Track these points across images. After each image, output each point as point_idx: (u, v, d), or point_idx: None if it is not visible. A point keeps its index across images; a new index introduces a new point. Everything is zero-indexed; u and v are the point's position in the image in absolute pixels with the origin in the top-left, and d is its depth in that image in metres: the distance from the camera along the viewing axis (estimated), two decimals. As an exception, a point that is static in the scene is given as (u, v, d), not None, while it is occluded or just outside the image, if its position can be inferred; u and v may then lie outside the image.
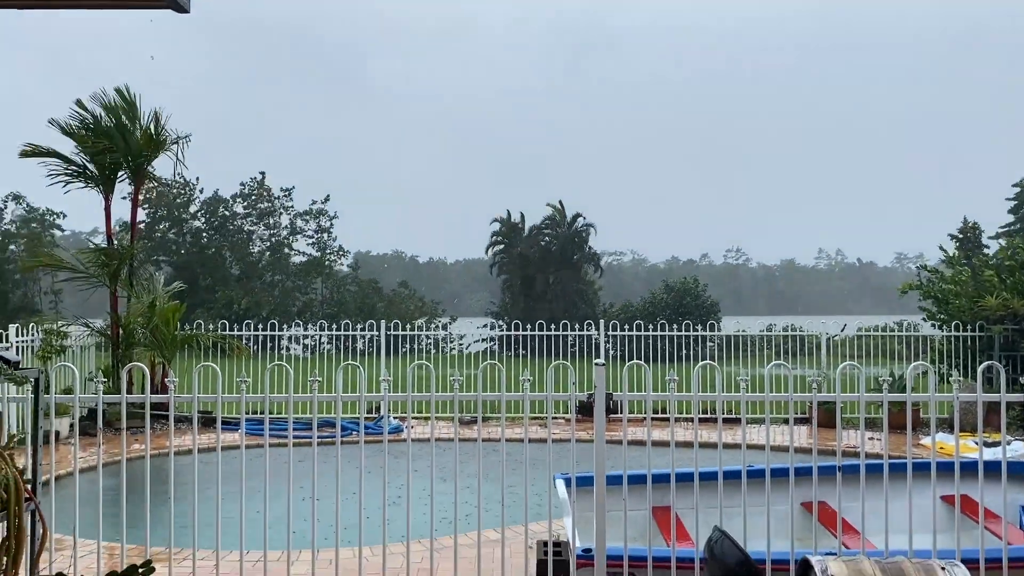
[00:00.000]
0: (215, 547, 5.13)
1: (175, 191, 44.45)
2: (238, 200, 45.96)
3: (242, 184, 46.06)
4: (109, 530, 5.40)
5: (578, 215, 45.84)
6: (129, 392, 9.80)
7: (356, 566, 5.39)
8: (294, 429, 5.24)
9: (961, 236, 31.59)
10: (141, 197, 41.25)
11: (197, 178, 45.03)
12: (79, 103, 14.91)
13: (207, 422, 11.15)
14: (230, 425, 12.09)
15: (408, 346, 22.15)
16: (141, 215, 43.61)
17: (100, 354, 15.41)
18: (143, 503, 5.19)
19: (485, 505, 5.80)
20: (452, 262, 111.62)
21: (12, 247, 44.44)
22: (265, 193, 46.18)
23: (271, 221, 46.64)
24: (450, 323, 39.80)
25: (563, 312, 36.98)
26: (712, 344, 24.62)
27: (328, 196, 47.08)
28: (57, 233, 47.18)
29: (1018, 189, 42.84)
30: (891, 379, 5.45)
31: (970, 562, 4.79)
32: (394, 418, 12.94)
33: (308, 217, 46.79)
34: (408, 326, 17.59)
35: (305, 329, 28.41)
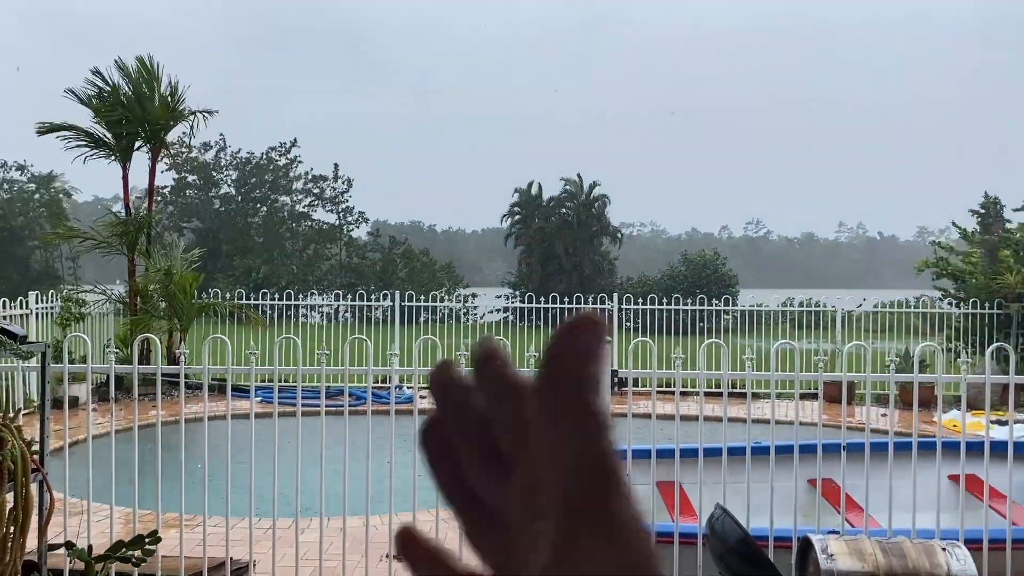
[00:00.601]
0: (225, 514, 5.21)
1: (201, 157, 44.59)
2: (262, 167, 46.04)
3: (270, 148, 46.09)
4: (125, 496, 5.49)
5: (595, 184, 45.61)
6: (146, 362, 9.92)
7: (364, 535, 5.46)
8: (314, 398, 5.28)
9: (982, 211, 31.21)
10: (166, 164, 41.49)
11: (230, 143, 45.17)
12: (96, 72, 14.95)
13: (221, 389, 11.26)
14: (243, 392, 12.25)
15: (426, 316, 22.23)
16: (168, 179, 43.96)
17: (118, 321, 15.59)
18: (166, 469, 5.28)
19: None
20: (470, 232, 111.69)
21: (31, 213, 44.84)
22: (287, 161, 46.26)
23: (291, 188, 46.76)
24: (472, 297, 39.87)
25: (580, 284, 36.98)
26: (728, 318, 24.58)
27: (336, 164, 47.20)
28: (77, 199, 47.52)
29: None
30: (898, 359, 5.42)
31: (974, 542, 4.80)
32: (408, 387, 13.04)
33: (324, 184, 46.84)
34: (423, 296, 17.62)
35: (323, 298, 28.53)
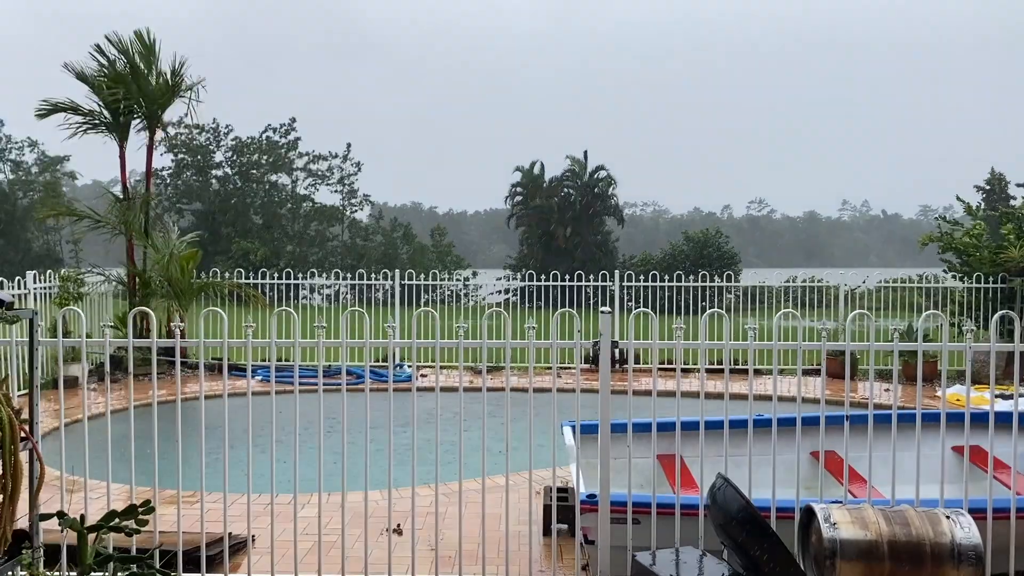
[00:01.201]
0: (223, 490, 5.18)
1: (201, 136, 44.40)
2: (261, 147, 45.80)
3: (270, 128, 45.82)
4: (124, 473, 5.47)
5: (600, 167, 45.40)
6: (143, 338, 9.87)
7: (363, 510, 5.42)
8: (310, 376, 5.23)
9: (988, 187, 31.07)
10: (164, 145, 41.19)
11: (227, 125, 44.95)
12: (97, 48, 14.82)
13: (219, 368, 11.26)
14: (242, 372, 12.22)
15: (428, 296, 22.15)
16: (167, 161, 43.81)
17: (117, 302, 15.55)
18: (162, 446, 5.24)
19: (493, 452, 5.81)
20: (472, 213, 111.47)
21: (32, 194, 44.71)
22: (287, 141, 46.02)
23: (291, 168, 46.56)
24: (472, 276, 39.77)
25: (582, 264, 36.88)
26: (731, 296, 24.50)
27: (349, 145, 46.95)
28: (77, 183, 47.41)
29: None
30: (902, 329, 5.35)
31: (978, 511, 4.76)
32: (408, 366, 13.00)
33: (332, 161, 46.60)
34: (423, 276, 17.56)
35: (323, 278, 28.47)
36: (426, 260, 40.17)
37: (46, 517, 3.82)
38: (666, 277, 17.41)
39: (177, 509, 5.17)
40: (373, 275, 19.54)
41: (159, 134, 15.82)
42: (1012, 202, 24.50)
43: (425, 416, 6.34)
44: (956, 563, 3.86)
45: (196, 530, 5.48)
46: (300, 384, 5.26)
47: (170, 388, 10.70)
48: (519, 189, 46.42)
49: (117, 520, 3.70)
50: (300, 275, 19.54)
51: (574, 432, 5.93)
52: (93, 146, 45.94)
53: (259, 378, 12.02)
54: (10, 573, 3.72)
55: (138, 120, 15.24)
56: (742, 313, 20.40)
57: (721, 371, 5.44)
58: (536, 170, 46.09)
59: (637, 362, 13.30)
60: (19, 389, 5.95)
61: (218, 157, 45.52)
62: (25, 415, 3.69)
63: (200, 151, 44.80)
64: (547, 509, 6.09)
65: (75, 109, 14.98)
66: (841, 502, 4.72)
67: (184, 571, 5.11)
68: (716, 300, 17.72)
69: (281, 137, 45.70)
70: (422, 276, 17.18)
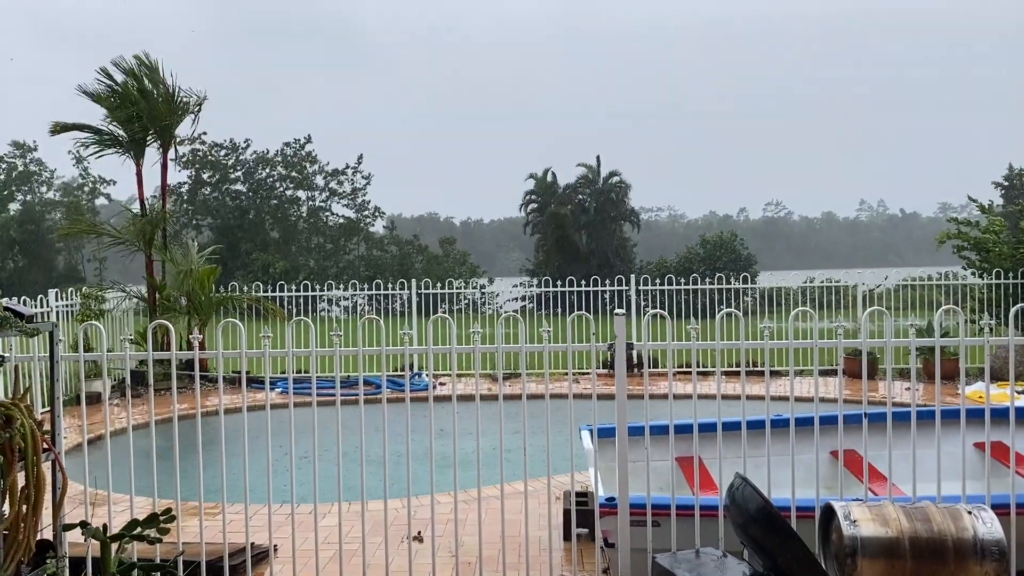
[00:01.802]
0: (244, 500, 5.22)
1: (219, 152, 44.84)
2: (277, 163, 46.20)
3: (285, 144, 46.24)
4: (147, 487, 5.52)
5: (613, 172, 45.42)
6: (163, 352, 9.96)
7: (383, 518, 5.45)
8: (329, 387, 5.27)
9: (1007, 183, 30.80)
10: (181, 163, 41.61)
11: (246, 140, 45.38)
12: (104, 71, 15.07)
13: (239, 381, 11.30)
14: (261, 384, 12.29)
15: (446, 306, 22.20)
16: (183, 177, 44.26)
17: (139, 318, 15.70)
18: (184, 459, 5.29)
19: (511, 458, 5.82)
20: (488, 222, 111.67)
21: (57, 214, 45.29)
22: (302, 156, 46.40)
23: (308, 183, 46.92)
24: (488, 284, 39.83)
25: (598, 269, 36.85)
26: (748, 299, 24.40)
27: (361, 156, 47.22)
28: (103, 202, 47.96)
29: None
30: (920, 326, 5.34)
31: (1001, 507, 4.72)
32: (425, 375, 13.03)
33: (343, 177, 46.93)
34: (439, 285, 17.61)
35: (341, 289, 28.61)
36: (440, 270, 40.27)
37: (69, 527, 3.87)
38: (682, 280, 17.36)
39: (199, 520, 5.22)
40: (390, 285, 19.58)
41: (172, 151, 16.01)
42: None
43: (442, 425, 6.36)
44: (979, 559, 3.82)
45: (218, 540, 5.52)
46: (318, 395, 5.30)
47: (191, 401, 10.80)
48: (533, 196, 46.50)
49: (139, 529, 3.75)
50: (318, 287, 19.63)
51: (592, 436, 5.93)
52: (112, 165, 46.44)
53: (278, 390, 12.09)
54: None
55: (152, 137, 15.43)
56: (760, 316, 20.31)
57: (738, 373, 5.41)
58: (549, 177, 46.16)
59: (654, 365, 13.21)
60: (43, 405, 6.04)
61: (234, 173, 45.94)
62: (47, 427, 3.75)
63: (216, 167, 45.24)
64: (567, 513, 6.09)
65: (87, 127, 15.21)
66: (861, 500, 4.70)
67: (207, 581, 5.15)
68: (733, 303, 17.65)
69: (296, 152, 46.08)
70: (438, 285, 17.19)
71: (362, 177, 47.14)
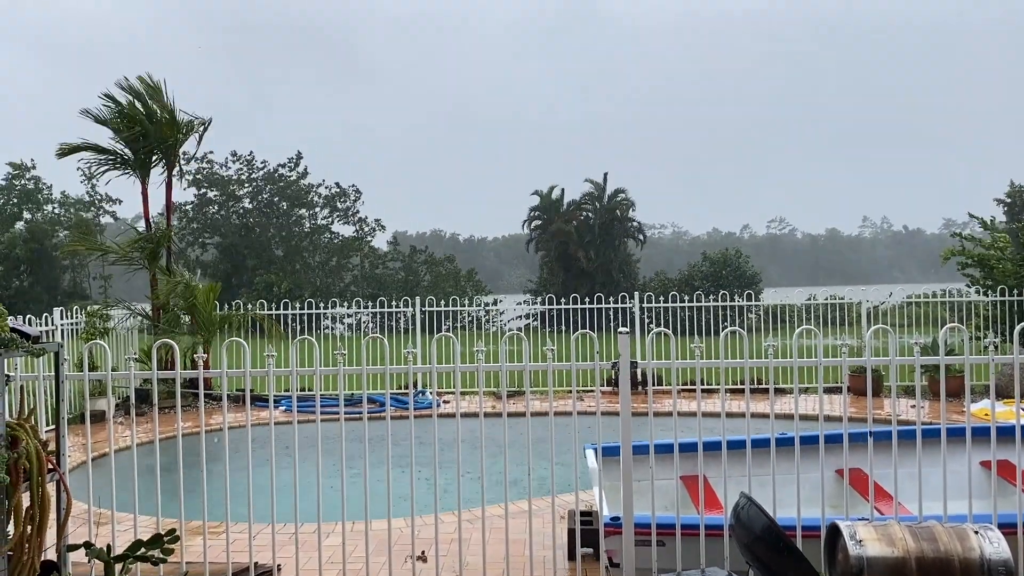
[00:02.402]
0: (248, 520, 5.21)
1: (222, 170, 45.12)
2: (275, 181, 46.46)
3: (281, 164, 46.55)
4: (150, 506, 5.51)
5: (619, 190, 45.50)
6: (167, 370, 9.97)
7: (387, 538, 5.43)
8: (333, 406, 5.27)
9: (1009, 200, 30.80)
10: (186, 181, 41.83)
11: (247, 155, 45.66)
12: (107, 95, 15.20)
13: (243, 400, 11.32)
14: (265, 403, 12.28)
15: (449, 323, 22.16)
16: (189, 196, 44.52)
17: (143, 336, 15.72)
18: (188, 477, 5.29)
19: (516, 477, 5.80)
20: (492, 239, 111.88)
21: (63, 234, 45.46)
22: (300, 173, 46.68)
23: (308, 200, 47.17)
24: (494, 303, 39.88)
25: (602, 286, 36.84)
26: (752, 316, 24.36)
27: (349, 182, 47.68)
28: (108, 220, 48.19)
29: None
30: (924, 344, 5.33)
31: (1008, 526, 4.69)
32: (429, 393, 13.00)
33: (337, 198, 47.26)
34: (443, 302, 17.61)
35: (344, 307, 28.67)
36: (446, 286, 40.33)
37: (74, 548, 3.86)
38: (686, 298, 17.35)
39: (203, 539, 5.20)
40: (394, 303, 19.58)
41: (176, 170, 16.12)
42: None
43: (445, 444, 6.35)
44: (986, 579, 3.80)
45: (222, 560, 5.50)
46: (322, 413, 5.30)
47: (195, 420, 10.80)
48: (538, 213, 46.57)
49: (143, 550, 3.74)
50: (322, 305, 19.65)
51: (596, 455, 5.92)
52: (119, 185, 46.72)
53: (282, 408, 12.08)
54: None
55: (157, 156, 15.52)
56: (764, 333, 20.28)
57: (742, 391, 5.39)
58: (555, 195, 46.24)
59: (659, 383, 13.17)
60: (47, 424, 6.03)
61: (238, 191, 46.21)
62: (52, 447, 3.75)
63: (219, 185, 45.50)
64: (571, 533, 6.06)
65: (93, 147, 15.31)
66: (867, 519, 4.67)
67: (211, 601, 5.13)
68: (737, 320, 17.63)
69: (291, 171, 46.41)
70: (442, 303, 17.20)
71: (355, 191, 47.46)
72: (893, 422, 5.00)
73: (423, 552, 6.38)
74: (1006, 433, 5.64)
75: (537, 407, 9.93)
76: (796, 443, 5.14)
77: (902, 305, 17.95)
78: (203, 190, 45.32)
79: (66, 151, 15.36)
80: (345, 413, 5.16)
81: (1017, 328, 5.02)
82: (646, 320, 17.99)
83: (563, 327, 18.69)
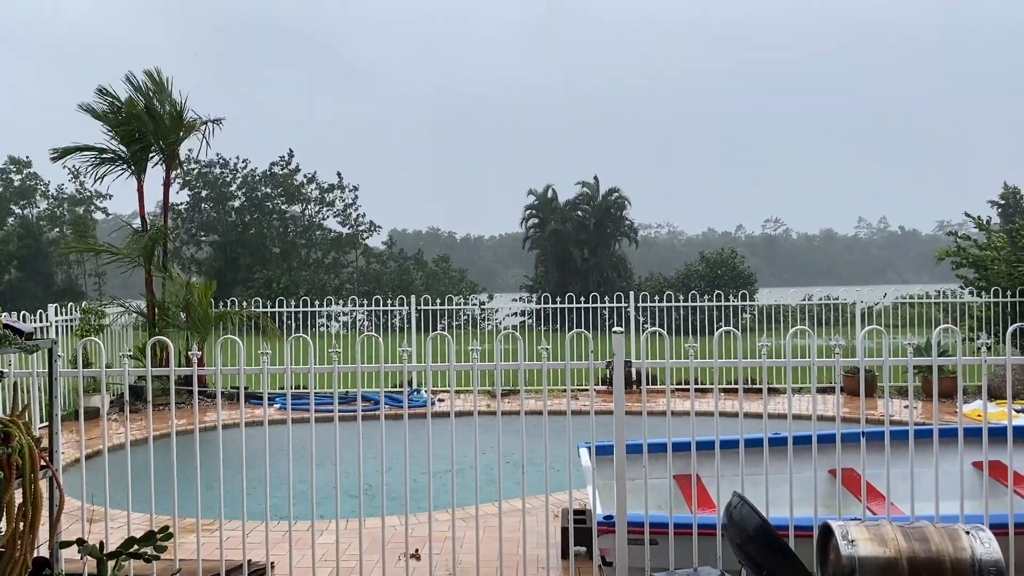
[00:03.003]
0: (242, 517, 5.21)
1: (216, 170, 45.09)
2: (270, 180, 46.43)
3: (273, 163, 46.54)
4: (143, 502, 5.51)
5: (613, 190, 45.53)
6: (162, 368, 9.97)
7: (380, 536, 5.43)
8: (327, 404, 5.27)
9: (1003, 202, 30.90)
10: (180, 181, 41.83)
11: (238, 158, 45.63)
12: (103, 90, 15.16)
13: (238, 397, 11.29)
14: (259, 400, 12.28)
15: (445, 321, 22.12)
16: (184, 196, 44.47)
17: (138, 333, 15.70)
18: (182, 475, 5.28)
19: (510, 476, 5.81)
20: (488, 238, 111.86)
21: (57, 231, 45.39)
22: (293, 172, 46.64)
23: (302, 197, 47.16)
24: (489, 299, 39.88)
25: (597, 286, 36.87)
26: (747, 316, 24.39)
27: (339, 173, 47.59)
28: (100, 216, 48.10)
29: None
30: (918, 344, 5.34)
31: (999, 526, 4.71)
32: (424, 391, 13.01)
33: (332, 195, 47.23)
34: (439, 301, 17.60)
35: (340, 305, 28.65)
36: (440, 285, 40.34)
37: (66, 544, 3.86)
38: (681, 297, 17.36)
39: (196, 537, 5.20)
40: (389, 301, 19.57)
41: (176, 174, 16.09)
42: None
43: (440, 442, 6.35)
44: (977, 579, 3.82)
45: (216, 558, 5.50)
46: (316, 411, 5.30)
47: (189, 417, 10.79)
48: (533, 212, 46.61)
49: (136, 547, 3.74)
50: (318, 303, 19.64)
51: (590, 453, 5.93)
52: (109, 180, 46.65)
53: (276, 406, 12.08)
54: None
55: (155, 154, 15.48)
56: (759, 333, 20.32)
57: (736, 390, 5.41)
58: (550, 194, 46.28)
59: (653, 382, 13.19)
60: (41, 420, 6.02)
61: (232, 190, 46.18)
62: (45, 444, 3.75)
63: (214, 184, 45.46)
64: (565, 532, 6.07)
65: (88, 148, 15.28)
66: (859, 519, 4.69)
67: (204, 599, 5.13)
68: (732, 320, 17.66)
69: (283, 169, 46.38)
70: (438, 301, 17.19)
71: (351, 190, 47.43)
72: (886, 423, 5.02)
73: (417, 550, 6.38)
74: (998, 434, 5.66)
75: (532, 406, 9.95)
76: (789, 443, 5.16)
77: (896, 306, 17.99)
78: (196, 189, 45.31)
79: (61, 154, 15.34)
80: (340, 411, 5.16)
81: (1010, 329, 5.04)
82: (641, 320, 18.00)
83: (558, 326, 18.69)
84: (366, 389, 11.33)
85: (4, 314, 3.87)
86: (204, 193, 45.56)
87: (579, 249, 43.88)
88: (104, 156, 15.38)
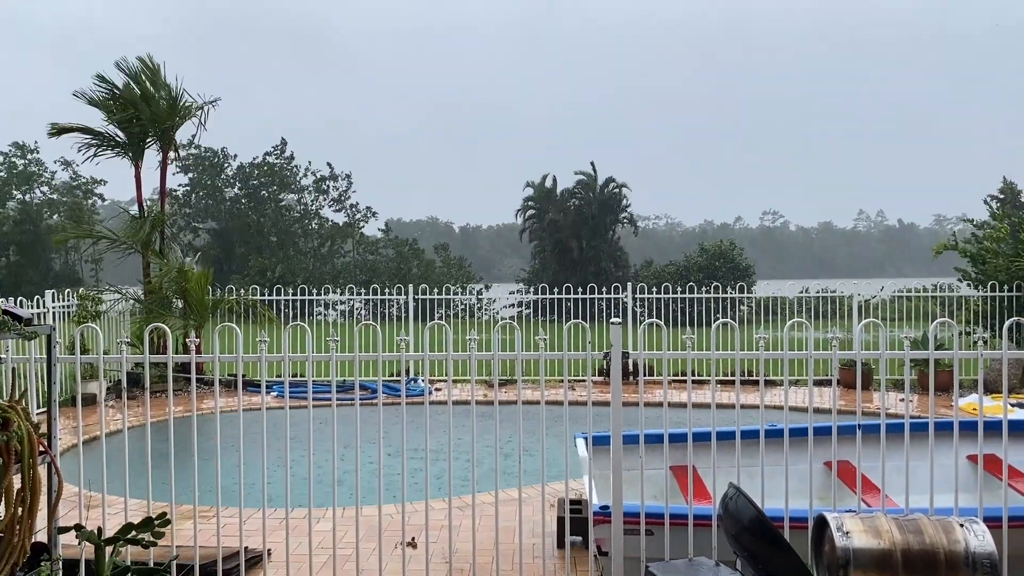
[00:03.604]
0: (238, 504, 5.22)
1: (210, 158, 45.02)
2: (265, 168, 46.39)
3: (267, 152, 46.49)
4: (141, 489, 5.52)
5: (611, 179, 45.44)
6: (159, 354, 9.97)
7: (377, 524, 5.45)
8: (325, 392, 5.27)
9: (1001, 196, 30.92)
10: (177, 165, 41.75)
11: (229, 151, 45.61)
12: (99, 76, 15.13)
13: (235, 384, 11.29)
14: (257, 388, 12.30)
15: (442, 311, 22.10)
16: (182, 180, 44.40)
17: (135, 320, 15.69)
18: (179, 461, 5.29)
19: (506, 465, 5.83)
20: (486, 228, 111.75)
21: (56, 216, 45.27)
22: (288, 160, 46.61)
23: (298, 185, 47.15)
24: (486, 288, 39.89)
25: (595, 276, 36.87)
26: (744, 308, 24.43)
27: (330, 163, 47.60)
28: (97, 202, 48.01)
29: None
30: (915, 338, 5.35)
31: (993, 520, 4.74)
32: (421, 380, 13.02)
33: (328, 184, 47.24)
34: (437, 290, 17.60)
35: (337, 293, 28.65)
36: (437, 275, 40.34)
37: (64, 530, 3.87)
38: (679, 289, 17.37)
39: (194, 523, 5.22)
40: (387, 290, 19.57)
41: (172, 154, 16.04)
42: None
43: (437, 431, 6.37)
44: (971, 572, 3.83)
45: (212, 544, 5.52)
46: (314, 399, 5.30)
47: (187, 404, 10.79)
48: (531, 203, 46.53)
49: (134, 533, 3.75)
50: (315, 291, 19.63)
51: (587, 444, 5.94)
52: (112, 166, 46.70)
53: (274, 394, 12.09)
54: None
55: (152, 140, 15.45)
56: (756, 325, 20.34)
57: (733, 382, 5.43)
58: (548, 183, 46.19)
59: (650, 373, 13.20)
60: (39, 406, 6.03)
61: (227, 177, 46.14)
62: (44, 430, 3.76)
63: (211, 171, 45.40)
64: (561, 521, 6.10)
65: (87, 129, 15.23)
66: (854, 511, 4.71)
67: (201, 585, 5.14)
68: (730, 312, 17.68)
69: (276, 157, 46.34)
70: (435, 291, 17.19)
71: (344, 180, 47.45)
72: (882, 415, 5.03)
73: (413, 538, 6.41)
74: (993, 428, 5.68)
75: (529, 396, 9.97)
76: (785, 435, 5.18)
77: (893, 299, 18.00)
78: (191, 174, 45.27)
79: (58, 131, 15.27)
80: (337, 400, 5.17)
81: (1006, 323, 5.05)
82: (638, 311, 18.02)
83: (555, 316, 18.70)
84: (364, 378, 11.38)
85: (2, 300, 3.87)
86: (201, 179, 45.54)
87: (577, 240, 43.84)
88: (102, 140, 15.35)
